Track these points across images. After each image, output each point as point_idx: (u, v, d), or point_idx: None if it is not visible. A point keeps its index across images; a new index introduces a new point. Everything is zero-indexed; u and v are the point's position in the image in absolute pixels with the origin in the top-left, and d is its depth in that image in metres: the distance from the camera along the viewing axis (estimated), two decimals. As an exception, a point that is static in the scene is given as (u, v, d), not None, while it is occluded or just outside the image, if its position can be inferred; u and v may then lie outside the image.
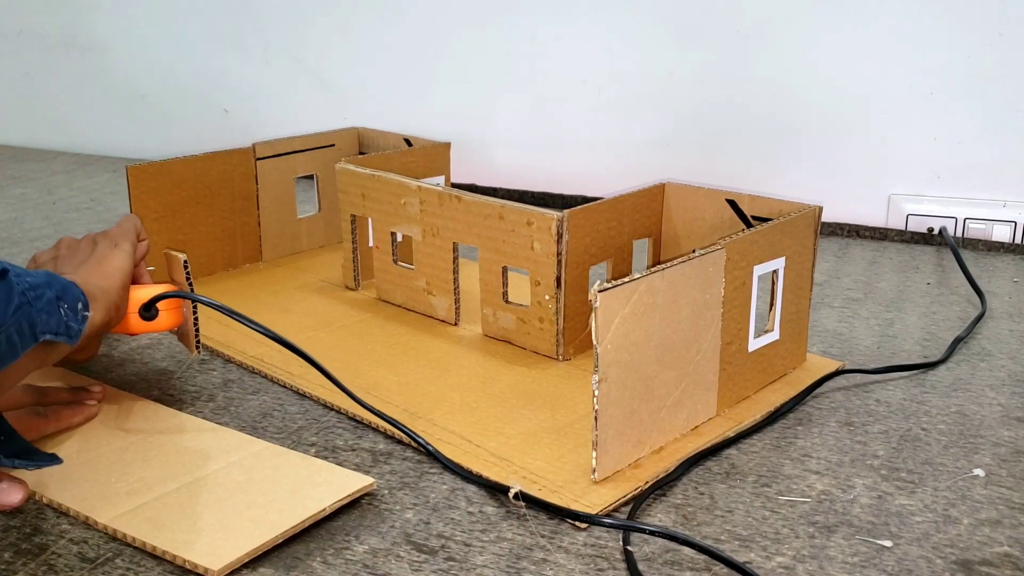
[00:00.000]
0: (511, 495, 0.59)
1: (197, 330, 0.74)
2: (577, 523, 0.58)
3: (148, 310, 0.70)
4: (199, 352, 0.73)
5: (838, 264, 1.10)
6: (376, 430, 0.70)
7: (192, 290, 0.71)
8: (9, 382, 0.57)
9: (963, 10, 1.14)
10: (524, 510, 0.60)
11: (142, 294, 0.70)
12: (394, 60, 1.45)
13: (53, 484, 0.61)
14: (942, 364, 0.82)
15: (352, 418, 0.72)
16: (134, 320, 0.70)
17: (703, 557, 0.55)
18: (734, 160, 1.28)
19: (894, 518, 0.59)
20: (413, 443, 0.67)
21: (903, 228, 1.21)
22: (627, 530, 0.57)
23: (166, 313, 0.71)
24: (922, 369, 0.80)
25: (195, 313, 0.73)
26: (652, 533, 0.56)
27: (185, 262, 0.71)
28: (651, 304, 0.61)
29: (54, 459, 0.60)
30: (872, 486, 0.63)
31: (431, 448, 0.66)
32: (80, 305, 0.60)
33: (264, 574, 0.54)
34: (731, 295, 0.68)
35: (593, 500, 0.60)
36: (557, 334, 0.80)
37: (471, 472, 0.64)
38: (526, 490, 0.61)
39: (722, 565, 0.54)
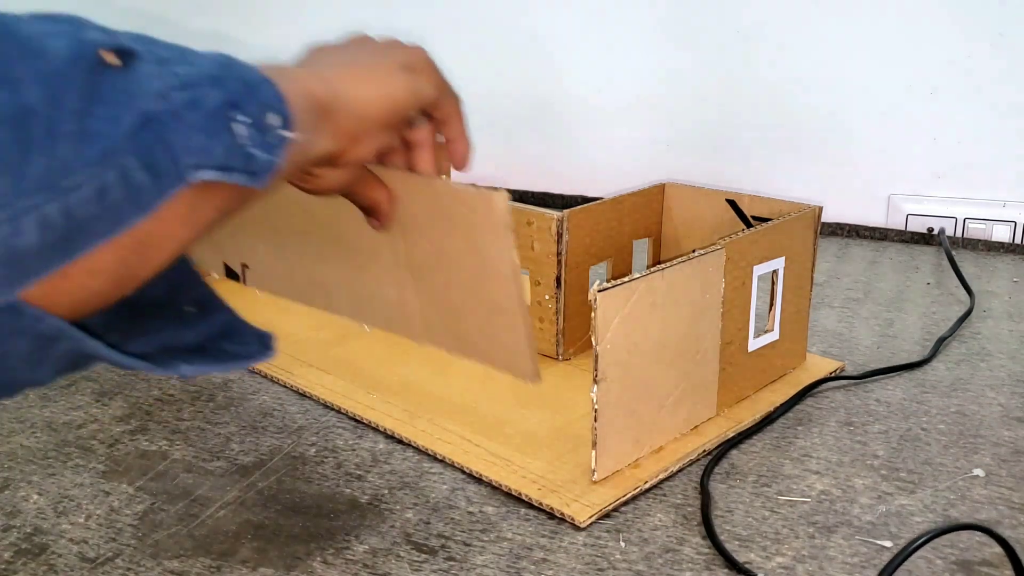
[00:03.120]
0: None
1: None
2: (576, 522, 0.58)
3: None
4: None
5: (838, 264, 1.10)
6: (376, 430, 0.70)
7: None
8: (151, 255, 0.35)
9: (963, 10, 1.13)
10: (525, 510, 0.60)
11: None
12: (394, 60, 1.44)
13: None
14: (927, 363, 0.81)
15: (352, 418, 0.72)
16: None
17: (702, 557, 0.55)
18: (734, 160, 1.28)
19: (894, 518, 0.59)
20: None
21: (903, 228, 1.21)
22: None
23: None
24: (908, 369, 0.80)
25: None
26: None
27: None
28: (651, 304, 0.61)
29: (264, 347, 0.42)
30: (872, 486, 0.63)
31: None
32: (274, 117, 0.37)
33: (264, 574, 0.54)
34: (731, 295, 0.68)
35: (593, 500, 0.60)
36: (557, 334, 0.80)
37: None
38: (525, 490, 0.61)
39: (721, 566, 0.54)
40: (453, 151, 0.54)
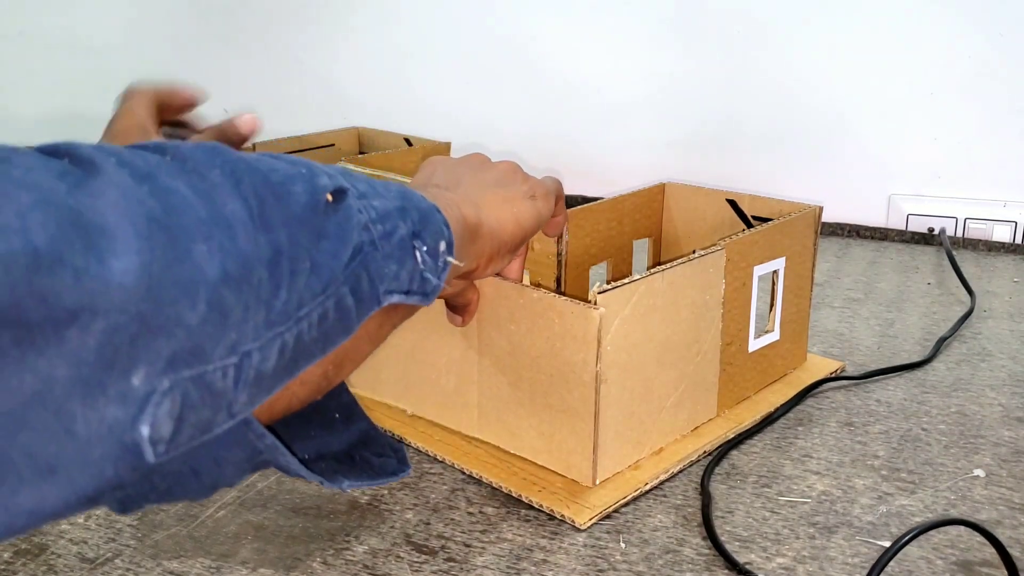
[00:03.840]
0: None
1: None
2: (576, 524, 0.58)
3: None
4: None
5: (838, 264, 1.10)
6: (376, 430, 0.70)
7: None
8: (345, 366, 0.40)
9: (963, 10, 1.13)
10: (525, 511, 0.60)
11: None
12: (394, 60, 1.45)
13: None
14: (928, 363, 0.81)
15: (352, 418, 0.72)
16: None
17: (703, 558, 0.55)
18: (734, 160, 1.28)
19: (895, 518, 0.59)
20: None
21: (903, 228, 1.21)
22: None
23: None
24: (909, 369, 0.80)
25: None
26: None
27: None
28: (651, 305, 0.61)
29: (401, 461, 0.44)
30: (872, 486, 0.63)
31: None
32: (443, 245, 0.42)
33: (264, 574, 0.54)
34: (731, 295, 0.68)
35: (593, 501, 0.60)
36: (557, 334, 0.80)
37: None
38: (525, 491, 0.61)
39: (721, 567, 0.54)
40: (553, 224, 0.61)
